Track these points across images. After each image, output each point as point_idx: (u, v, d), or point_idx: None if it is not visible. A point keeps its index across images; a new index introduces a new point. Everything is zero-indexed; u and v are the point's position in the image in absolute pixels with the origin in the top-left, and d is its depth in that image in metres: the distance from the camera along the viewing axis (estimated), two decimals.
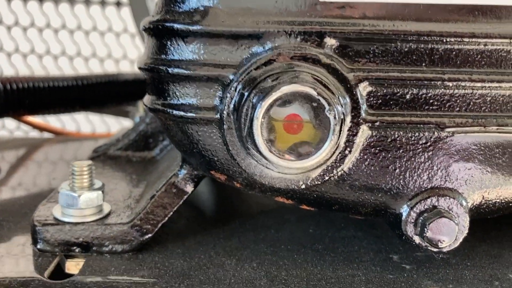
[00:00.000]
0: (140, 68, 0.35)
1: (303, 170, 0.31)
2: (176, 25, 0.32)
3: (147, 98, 0.36)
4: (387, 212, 0.33)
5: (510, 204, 0.34)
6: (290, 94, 0.29)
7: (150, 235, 0.36)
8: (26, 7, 0.97)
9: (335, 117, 0.29)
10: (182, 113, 0.32)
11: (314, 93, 0.29)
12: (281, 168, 0.30)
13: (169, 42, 0.33)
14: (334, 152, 0.31)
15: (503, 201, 0.34)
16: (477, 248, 0.38)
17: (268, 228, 0.41)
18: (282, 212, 0.44)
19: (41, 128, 0.79)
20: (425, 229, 0.32)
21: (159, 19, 0.33)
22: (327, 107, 0.29)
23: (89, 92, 0.65)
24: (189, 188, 0.37)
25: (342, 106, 0.30)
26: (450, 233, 0.32)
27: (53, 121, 0.93)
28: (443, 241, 0.32)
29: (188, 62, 0.32)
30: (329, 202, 0.34)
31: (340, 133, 0.30)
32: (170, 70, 0.32)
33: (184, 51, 0.32)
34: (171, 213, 0.37)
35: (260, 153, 0.29)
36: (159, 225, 0.36)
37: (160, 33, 0.33)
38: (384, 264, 0.35)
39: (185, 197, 0.37)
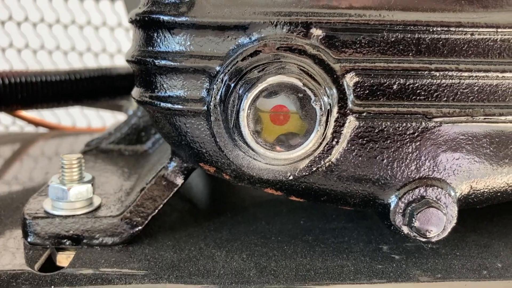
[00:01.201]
0: (127, 61, 0.35)
1: (290, 161, 0.31)
2: (162, 17, 0.32)
3: (136, 91, 0.36)
4: (376, 202, 0.34)
5: (498, 194, 0.34)
6: (276, 85, 0.29)
7: (140, 227, 0.36)
8: (20, 2, 0.97)
9: (321, 108, 0.29)
10: (169, 105, 0.32)
11: (300, 84, 0.29)
12: (268, 159, 0.30)
13: (155, 34, 0.33)
14: (321, 143, 0.31)
15: (491, 191, 0.34)
16: (467, 238, 0.38)
17: (259, 220, 0.41)
18: (274, 204, 0.44)
19: (36, 123, 0.79)
20: (413, 219, 0.32)
21: (146, 10, 0.33)
22: (313, 98, 0.29)
23: (82, 86, 0.65)
24: (179, 181, 0.37)
25: (328, 97, 0.30)
26: (438, 223, 0.32)
27: (48, 116, 0.93)
28: (431, 231, 0.32)
29: (175, 54, 0.32)
30: (317, 193, 0.34)
31: (326, 124, 0.30)
32: (157, 62, 0.32)
33: (170, 42, 0.32)
34: (161, 205, 0.37)
35: (247, 144, 0.29)
36: (149, 217, 0.36)
37: (146, 25, 0.33)
38: (373, 254, 0.35)
39: (175, 189, 0.37)
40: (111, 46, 0.99)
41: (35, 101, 0.63)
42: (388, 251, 0.36)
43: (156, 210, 0.36)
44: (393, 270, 0.33)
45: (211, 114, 0.31)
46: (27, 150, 0.66)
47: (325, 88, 0.30)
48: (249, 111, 0.29)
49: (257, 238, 0.37)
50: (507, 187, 0.34)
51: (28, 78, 0.61)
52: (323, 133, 0.30)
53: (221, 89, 0.30)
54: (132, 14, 0.34)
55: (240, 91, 0.29)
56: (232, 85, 0.30)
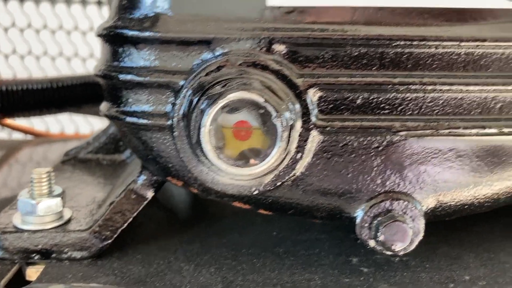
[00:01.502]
0: (95, 75, 0.35)
1: (254, 176, 0.30)
2: (127, 32, 0.32)
3: (103, 105, 0.36)
4: (342, 216, 0.34)
5: (466, 207, 0.34)
6: (237, 101, 0.29)
7: (109, 241, 0.36)
8: (6, 7, 0.96)
9: (282, 124, 0.29)
10: (135, 119, 0.32)
11: (260, 100, 0.29)
12: (231, 175, 0.30)
13: (121, 49, 0.33)
14: (284, 158, 0.31)
15: (458, 204, 0.34)
16: (438, 249, 0.38)
17: (233, 231, 0.41)
18: (249, 214, 0.44)
19: (23, 131, 0.79)
20: (379, 233, 0.32)
21: (112, 25, 0.33)
22: (274, 114, 0.29)
23: (64, 94, 0.65)
24: (149, 194, 0.37)
25: (291, 112, 0.30)
26: (403, 236, 0.32)
27: (37, 122, 0.93)
28: (397, 244, 0.32)
29: (140, 69, 0.32)
30: (284, 206, 0.34)
31: (289, 139, 0.30)
32: (122, 77, 0.32)
33: (135, 57, 0.32)
34: (131, 219, 0.37)
35: (209, 161, 0.29)
36: (118, 231, 0.36)
37: (112, 40, 0.33)
38: (342, 267, 0.35)
39: (145, 202, 0.37)
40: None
41: (17, 110, 0.63)
42: (357, 264, 0.36)
43: (125, 224, 0.36)
44: (360, 283, 0.33)
45: (175, 129, 0.31)
46: (9, 159, 0.66)
47: (287, 103, 0.30)
48: (211, 127, 0.29)
49: (228, 251, 0.37)
50: (474, 200, 0.34)
51: (9, 87, 0.61)
52: (286, 148, 0.30)
53: (184, 104, 0.30)
54: (99, 28, 0.34)
55: (202, 107, 0.29)
56: (195, 100, 0.30)
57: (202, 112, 0.29)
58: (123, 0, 0.33)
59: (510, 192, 0.34)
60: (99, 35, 0.34)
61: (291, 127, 0.30)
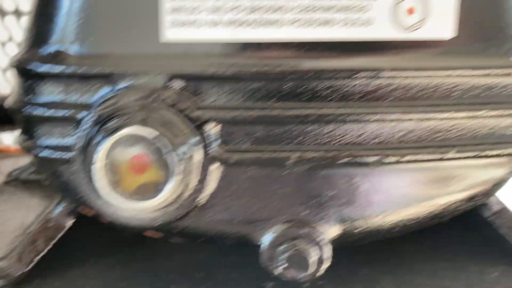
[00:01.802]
0: (7, 108, 0.35)
1: (153, 209, 0.31)
2: (33, 66, 0.32)
3: (18, 136, 0.36)
4: (249, 243, 0.34)
5: (373, 234, 0.35)
6: (131, 136, 0.29)
7: (25, 270, 0.36)
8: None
9: (176, 158, 0.29)
10: (43, 152, 0.33)
11: (152, 135, 0.29)
12: (129, 209, 0.31)
13: (29, 83, 0.33)
14: (185, 190, 0.31)
15: (364, 231, 0.34)
16: (358, 272, 0.38)
17: (160, 255, 0.41)
18: None
19: None
20: (281, 261, 0.32)
21: (19, 58, 0.33)
22: (167, 148, 0.29)
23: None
24: (68, 222, 0.37)
25: (189, 145, 0.30)
26: (305, 265, 0.33)
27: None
28: (299, 273, 0.33)
29: (46, 103, 0.32)
30: (194, 235, 0.34)
31: (186, 172, 0.30)
32: (30, 111, 0.33)
33: (42, 92, 0.33)
34: (49, 247, 0.37)
35: (105, 196, 0.30)
36: (36, 259, 0.37)
37: (21, 73, 0.33)
38: None
39: (63, 230, 0.37)
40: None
41: None
42: None
43: (43, 252, 0.37)
44: None
45: (75, 163, 0.31)
46: None
47: (184, 137, 0.30)
48: (106, 161, 0.29)
49: (148, 277, 0.38)
50: (380, 228, 0.34)
51: None
52: (182, 180, 0.30)
53: (83, 138, 0.31)
54: (11, 59, 0.35)
55: (97, 141, 0.30)
56: (93, 134, 0.30)
57: (97, 146, 0.29)
58: (30, 34, 0.33)
59: (417, 218, 0.35)
60: (11, 67, 0.35)
61: (189, 160, 0.30)
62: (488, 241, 0.42)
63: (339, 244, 0.34)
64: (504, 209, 0.42)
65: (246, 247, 0.35)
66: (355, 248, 0.39)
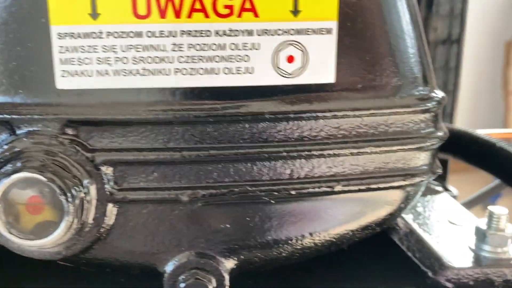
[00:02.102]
0: None
1: (51, 245, 0.33)
2: None
3: None
4: (153, 272, 0.36)
5: (272, 261, 0.37)
6: (26, 179, 0.31)
7: None
8: None
9: (68, 200, 0.32)
10: None
11: (43, 179, 0.31)
12: (28, 245, 0.33)
13: None
14: (83, 227, 0.33)
15: (262, 260, 0.36)
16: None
17: (83, 279, 0.43)
18: None
19: None
20: None
21: None
22: (58, 191, 0.31)
23: None
24: None
25: (81, 187, 0.33)
26: None
27: None
28: None
29: None
30: (101, 265, 0.36)
31: (82, 211, 0.32)
32: None
33: None
34: None
35: (3, 234, 0.32)
36: None
37: None
38: None
39: None
40: None
41: None
42: None
43: None
44: None
45: None
46: None
47: (77, 179, 0.32)
48: (2, 202, 0.31)
49: None
50: (278, 256, 0.36)
51: None
52: (75, 219, 0.32)
53: None
54: None
55: None
56: None
57: None
58: None
59: (313, 247, 0.37)
60: None
61: (82, 200, 0.32)
62: (397, 262, 0.44)
63: (242, 271, 0.37)
64: (411, 232, 0.44)
65: (153, 276, 0.37)
66: (263, 273, 0.42)
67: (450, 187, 0.67)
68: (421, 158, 0.37)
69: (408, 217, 0.46)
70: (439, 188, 0.57)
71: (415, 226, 0.45)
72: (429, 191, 0.57)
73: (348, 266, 0.45)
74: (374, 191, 0.36)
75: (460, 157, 0.69)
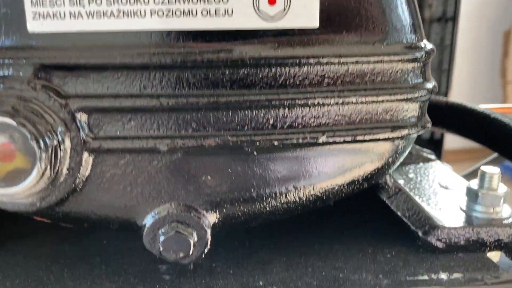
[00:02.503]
0: None
1: (24, 195, 0.32)
2: None
3: None
4: (133, 226, 0.35)
5: (256, 216, 0.36)
6: None
7: None
8: None
9: (40, 146, 0.30)
10: None
11: (14, 123, 0.30)
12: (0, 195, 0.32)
13: None
14: (57, 176, 0.32)
15: (246, 215, 0.35)
16: (253, 255, 0.40)
17: (63, 243, 0.41)
18: None
19: None
20: (160, 243, 0.34)
21: None
22: (29, 136, 0.30)
23: None
24: None
25: (55, 134, 0.31)
26: (185, 247, 0.34)
27: None
28: (178, 254, 0.34)
29: None
30: (78, 219, 0.35)
31: (55, 160, 0.31)
32: None
33: None
34: None
35: None
36: None
37: None
38: (145, 276, 0.37)
39: None
40: None
41: None
42: (163, 272, 0.37)
43: None
44: None
45: None
46: None
47: (50, 126, 0.31)
48: None
49: (44, 262, 0.39)
50: (262, 211, 0.35)
51: None
52: (48, 167, 0.31)
53: None
54: None
55: None
56: None
57: None
58: None
59: (298, 201, 0.36)
60: None
61: (55, 148, 0.31)
62: (386, 223, 0.43)
63: (221, 228, 0.35)
64: (400, 191, 0.43)
65: (132, 230, 0.36)
66: (250, 233, 0.41)
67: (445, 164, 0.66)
68: (410, 110, 0.36)
69: (399, 181, 0.44)
70: (432, 156, 0.56)
71: (405, 188, 0.43)
72: (422, 159, 0.55)
73: (336, 227, 0.44)
74: (360, 143, 0.35)
75: (455, 130, 0.68)
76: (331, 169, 0.35)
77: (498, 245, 0.40)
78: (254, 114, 0.33)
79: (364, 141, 0.35)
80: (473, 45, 2.64)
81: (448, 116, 0.68)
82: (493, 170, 0.42)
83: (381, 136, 0.35)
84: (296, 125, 0.33)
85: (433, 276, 0.37)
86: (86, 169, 0.33)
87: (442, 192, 0.46)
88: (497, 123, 0.60)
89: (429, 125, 0.38)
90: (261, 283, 0.36)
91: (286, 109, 0.33)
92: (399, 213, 0.41)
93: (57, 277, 0.37)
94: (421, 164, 0.54)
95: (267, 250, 0.40)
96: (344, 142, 0.34)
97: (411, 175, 0.51)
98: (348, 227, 0.44)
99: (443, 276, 0.37)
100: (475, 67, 2.72)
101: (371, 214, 0.45)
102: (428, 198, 0.44)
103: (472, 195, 0.42)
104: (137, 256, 0.39)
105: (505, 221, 0.40)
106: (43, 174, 0.31)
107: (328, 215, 0.44)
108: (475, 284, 0.37)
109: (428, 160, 0.55)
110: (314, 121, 0.34)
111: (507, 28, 2.74)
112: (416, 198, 0.43)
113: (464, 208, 0.42)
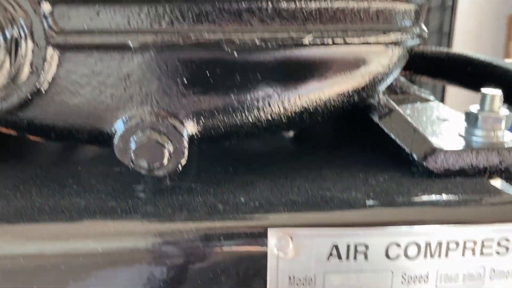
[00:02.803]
0: None
1: None
2: None
3: None
4: (103, 136, 0.33)
5: (238, 129, 0.33)
6: None
7: None
8: None
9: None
10: None
11: None
12: None
13: None
14: (18, 73, 0.30)
15: (227, 125, 0.33)
16: (235, 177, 0.37)
17: (34, 164, 0.40)
18: None
19: None
20: (132, 152, 0.31)
21: None
22: None
23: None
24: None
25: (17, 25, 0.29)
26: (158, 156, 0.31)
27: None
28: (152, 164, 0.31)
29: None
30: (44, 129, 0.33)
31: (16, 55, 0.29)
32: None
33: None
34: None
35: None
36: None
37: None
38: (119, 194, 0.34)
39: None
40: None
41: None
42: (139, 191, 0.35)
43: None
44: (128, 207, 0.32)
45: None
46: None
47: (10, 15, 0.29)
48: None
49: (20, 182, 0.36)
50: (243, 120, 0.33)
51: None
52: (8, 62, 0.29)
53: None
54: None
55: None
56: None
57: None
58: None
59: (284, 114, 0.33)
60: None
61: (17, 40, 0.29)
62: (379, 146, 0.41)
63: (202, 139, 0.33)
64: (394, 111, 0.40)
65: (101, 142, 0.33)
66: (235, 160, 0.38)
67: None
68: (404, 13, 0.33)
69: None
70: (431, 97, 0.53)
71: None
72: (420, 99, 0.53)
73: (326, 156, 0.41)
74: (349, 45, 0.32)
75: (457, 82, 0.65)
76: (319, 76, 0.33)
77: (498, 170, 0.37)
78: (234, 7, 0.30)
79: (354, 43, 0.32)
80: (477, 28, 2.60)
81: (450, 67, 0.65)
82: (495, 92, 0.39)
83: (373, 39, 0.32)
84: (281, 22, 0.31)
85: (428, 197, 0.34)
86: (50, 67, 0.30)
87: (440, 123, 0.43)
88: (500, 69, 0.57)
89: (425, 34, 0.35)
90: (242, 199, 0.33)
91: (269, 3, 0.30)
92: (392, 135, 0.39)
93: (24, 194, 0.34)
94: (418, 103, 0.52)
95: (252, 175, 0.38)
96: (333, 44, 0.32)
97: (408, 112, 0.48)
98: (339, 156, 0.41)
99: (439, 197, 0.34)
100: (479, 51, 2.68)
101: (364, 144, 0.42)
102: (425, 127, 0.42)
103: (472, 119, 0.39)
104: (112, 179, 0.37)
105: (506, 145, 0.38)
106: (1, 66, 0.28)
107: (319, 145, 0.42)
108: (473, 205, 0.34)
109: (427, 100, 0.53)
110: (299, 18, 0.31)
111: (511, 12, 2.70)
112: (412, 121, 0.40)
113: (463, 134, 0.40)
